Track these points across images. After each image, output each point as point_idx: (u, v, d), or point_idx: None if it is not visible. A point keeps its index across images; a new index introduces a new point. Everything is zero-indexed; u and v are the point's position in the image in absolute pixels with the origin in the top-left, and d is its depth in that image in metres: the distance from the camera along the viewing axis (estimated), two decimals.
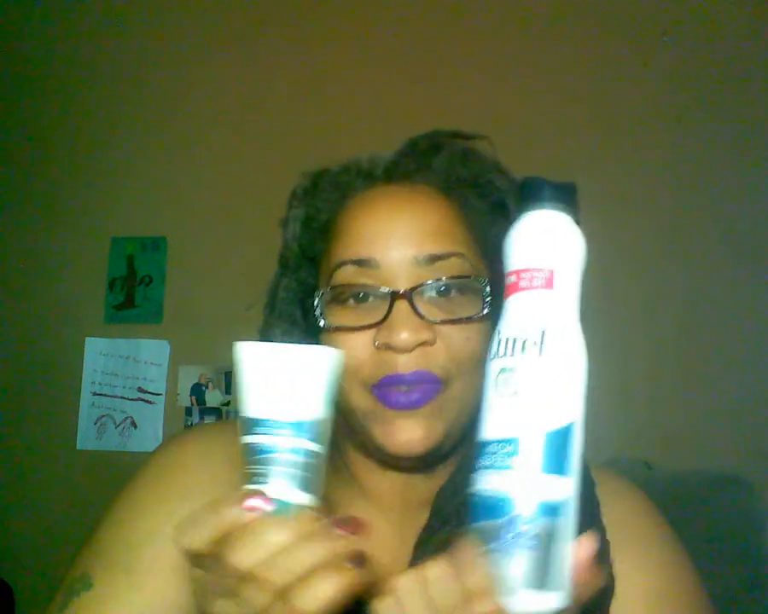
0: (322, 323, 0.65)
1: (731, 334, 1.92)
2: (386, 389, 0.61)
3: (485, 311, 0.62)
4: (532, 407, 0.43)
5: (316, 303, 0.65)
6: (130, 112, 2.22)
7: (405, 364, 0.60)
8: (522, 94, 2.08)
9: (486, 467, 0.44)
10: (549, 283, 0.45)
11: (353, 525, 0.48)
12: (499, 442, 0.44)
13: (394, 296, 0.61)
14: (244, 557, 0.45)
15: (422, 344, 0.61)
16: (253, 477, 0.48)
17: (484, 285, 0.63)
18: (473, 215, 0.67)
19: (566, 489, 0.43)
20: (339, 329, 0.64)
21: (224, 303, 2.03)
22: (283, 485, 0.47)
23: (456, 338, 0.62)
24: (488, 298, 0.62)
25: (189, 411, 2.09)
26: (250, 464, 0.48)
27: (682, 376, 1.92)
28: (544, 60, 2.09)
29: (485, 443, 0.45)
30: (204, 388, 2.09)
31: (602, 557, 0.64)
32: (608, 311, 1.94)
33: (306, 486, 0.48)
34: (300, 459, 0.48)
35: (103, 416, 2.10)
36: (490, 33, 2.13)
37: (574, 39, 2.08)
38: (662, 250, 1.99)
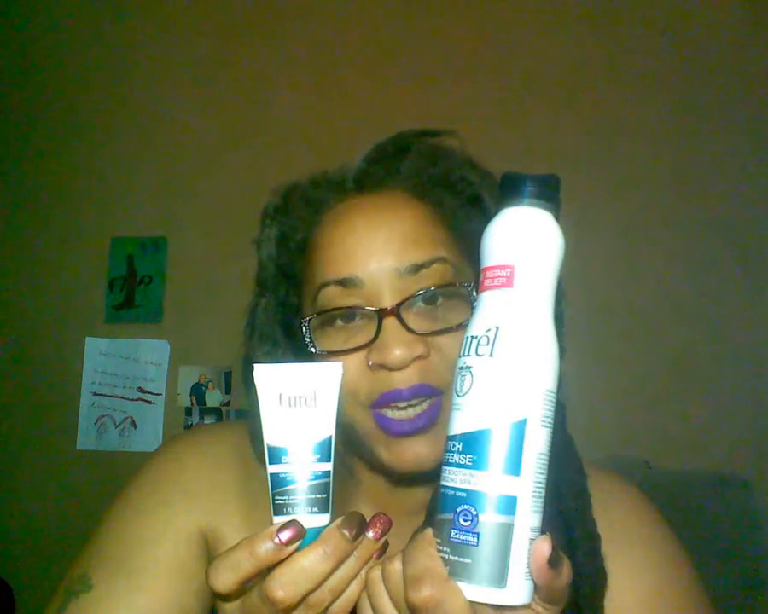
0: (313, 349, 0.63)
1: (731, 334, 1.92)
2: (386, 412, 0.60)
3: None
4: (483, 405, 0.44)
5: (304, 330, 0.64)
6: (130, 112, 2.22)
7: (402, 380, 0.59)
8: (521, 94, 2.08)
9: (445, 463, 0.46)
10: (509, 282, 0.46)
11: (382, 524, 0.49)
12: (455, 438, 0.46)
13: (382, 313, 0.60)
14: (292, 591, 0.46)
15: (417, 358, 0.59)
16: (280, 508, 0.49)
17: (470, 290, 0.61)
18: (449, 214, 0.66)
19: (515, 485, 0.43)
20: (331, 354, 0.62)
21: (224, 303, 2.03)
22: (309, 511, 0.49)
23: (450, 347, 0.60)
24: (476, 302, 0.62)
25: (188, 411, 2.09)
26: (277, 494, 0.49)
27: (682, 376, 1.92)
28: (541, 58, 2.09)
29: (448, 439, 0.47)
30: (204, 388, 2.09)
31: (593, 552, 0.64)
32: (609, 312, 1.94)
33: (326, 506, 0.50)
34: (321, 481, 0.49)
35: (103, 416, 2.10)
36: (485, 35, 2.13)
37: (574, 38, 2.09)
38: (663, 252, 1.99)
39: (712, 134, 1.99)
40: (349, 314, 0.62)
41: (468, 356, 0.46)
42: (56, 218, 2.19)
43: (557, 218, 0.47)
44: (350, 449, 0.70)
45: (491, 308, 0.46)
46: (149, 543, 0.64)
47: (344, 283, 0.62)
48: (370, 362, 0.60)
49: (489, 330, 0.45)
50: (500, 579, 0.43)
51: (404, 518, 0.67)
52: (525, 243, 0.46)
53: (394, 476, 0.65)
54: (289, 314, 0.70)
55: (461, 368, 0.46)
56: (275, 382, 0.50)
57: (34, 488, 2.08)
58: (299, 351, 0.68)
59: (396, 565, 0.45)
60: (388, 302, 0.60)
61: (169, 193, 2.17)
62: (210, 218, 2.13)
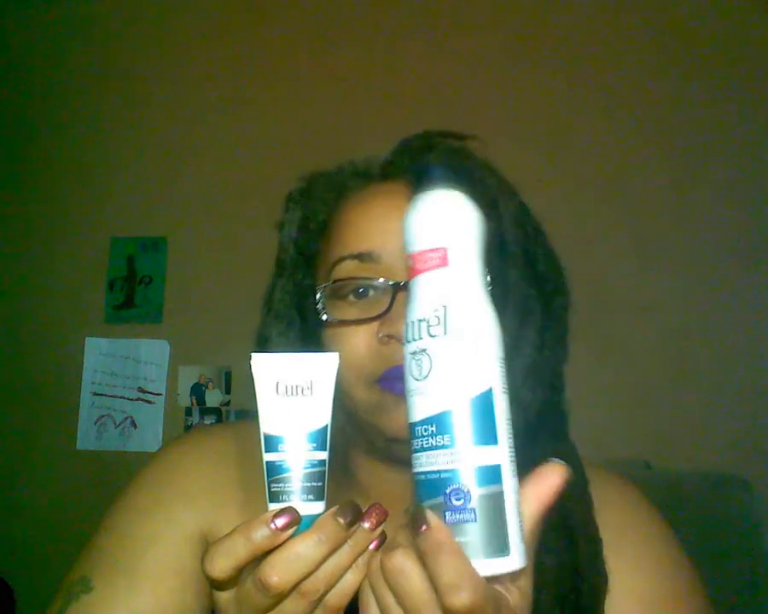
0: (324, 317, 0.65)
1: (731, 334, 1.92)
2: (390, 381, 0.61)
3: None
4: (449, 383, 0.45)
5: (318, 297, 0.65)
6: (130, 112, 2.22)
7: None
8: (520, 92, 2.08)
9: (418, 449, 0.46)
10: (444, 261, 0.47)
11: (378, 514, 0.49)
12: (424, 422, 0.45)
13: (396, 287, 0.62)
14: (285, 577, 0.46)
15: None
16: (275, 495, 0.50)
17: (485, 274, 0.62)
18: None
19: (496, 453, 0.44)
20: (343, 323, 0.64)
21: (224, 303, 2.03)
22: (304, 498, 0.50)
23: None
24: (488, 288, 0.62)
25: (188, 411, 2.09)
26: (272, 482, 0.50)
27: (682, 376, 1.92)
28: (540, 56, 2.09)
29: (413, 426, 0.46)
30: (204, 388, 2.09)
31: (595, 555, 0.64)
32: (608, 311, 1.94)
33: (322, 494, 0.50)
34: (316, 469, 0.50)
35: (103, 416, 2.11)
36: (490, 29, 2.13)
37: (573, 34, 2.09)
38: (661, 249, 1.99)
39: (715, 125, 2.00)
40: (363, 288, 0.64)
41: (420, 339, 0.46)
42: (56, 218, 2.19)
43: (469, 193, 0.49)
44: (346, 438, 0.70)
45: (432, 289, 0.47)
46: (150, 544, 0.65)
47: (361, 257, 0.64)
48: (380, 335, 0.61)
49: (437, 310, 0.46)
50: (503, 547, 0.43)
51: (399, 509, 0.68)
52: (452, 223, 0.48)
53: (393, 450, 0.65)
54: (304, 295, 0.71)
55: (414, 353, 0.47)
56: (272, 371, 0.51)
57: (34, 488, 2.08)
58: (312, 332, 0.69)
59: (395, 560, 0.45)
60: (403, 277, 0.62)
61: (169, 193, 2.17)
62: (210, 218, 2.13)
